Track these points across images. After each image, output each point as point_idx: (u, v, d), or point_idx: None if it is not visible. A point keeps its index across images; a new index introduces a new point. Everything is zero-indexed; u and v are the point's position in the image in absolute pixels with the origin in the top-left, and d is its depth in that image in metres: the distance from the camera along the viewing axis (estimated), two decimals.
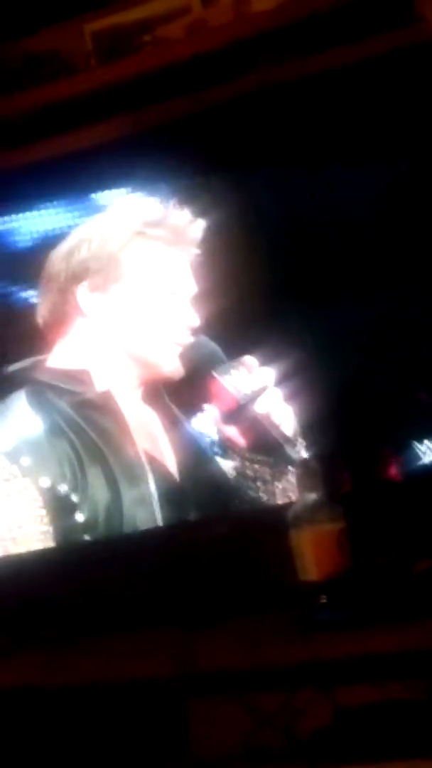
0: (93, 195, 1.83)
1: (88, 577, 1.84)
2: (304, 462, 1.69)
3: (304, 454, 1.72)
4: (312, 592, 1.58)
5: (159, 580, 1.84)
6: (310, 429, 1.72)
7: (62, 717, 1.79)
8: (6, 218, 1.87)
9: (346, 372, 1.78)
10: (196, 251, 1.77)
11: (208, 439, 1.79)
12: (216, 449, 1.78)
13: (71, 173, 1.86)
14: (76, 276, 1.74)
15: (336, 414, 1.75)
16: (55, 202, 1.84)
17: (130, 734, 1.81)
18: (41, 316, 1.79)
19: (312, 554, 1.59)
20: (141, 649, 1.67)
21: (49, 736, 1.80)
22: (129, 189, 1.83)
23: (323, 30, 1.76)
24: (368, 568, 1.61)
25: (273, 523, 1.64)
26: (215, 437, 1.78)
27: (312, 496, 1.62)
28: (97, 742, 1.81)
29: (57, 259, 1.76)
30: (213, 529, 1.76)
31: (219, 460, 1.78)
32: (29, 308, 1.81)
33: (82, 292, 1.75)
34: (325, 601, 1.57)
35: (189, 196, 1.77)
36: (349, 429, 1.78)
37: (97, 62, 1.92)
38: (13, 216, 1.87)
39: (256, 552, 1.79)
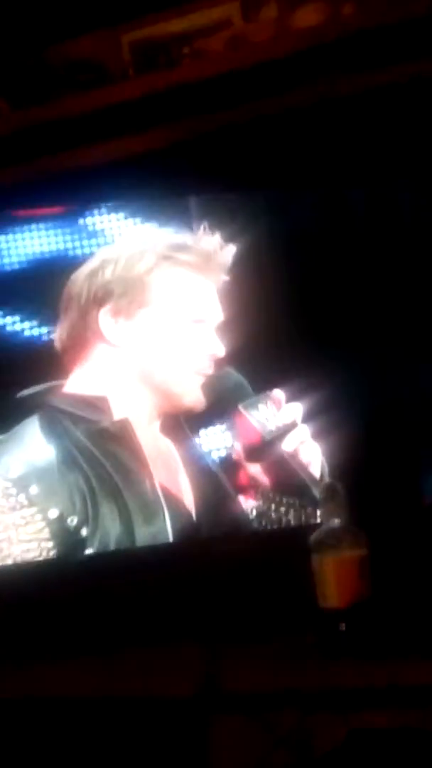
0: (120, 212, 1.78)
1: (109, 592, 1.80)
2: (328, 486, 1.64)
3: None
4: (332, 619, 1.56)
5: (183, 600, 1.79)
6: (338, 461, 1.69)
7: (86, 731, 1.75)
8: (35, 232, 1.80)
9: (375, 402, 1.75)
10: (225, 278, 1.72)
11: (229, 477, 1.73)
12: (238, 487, 1.73)
13: (102, 184, 1.83)
14: (98, 298, 1.69)
15: (363, 441, 1.72)
16: (85, 214, 1.79)
17: (150, 751, 1.77)
18: (59, 338, 1.74)
19: (333, 580, 1.57)
20: (162, 665, 1.66)
21: (69, 751, 1.76)
22: (158, 205, 1.78)
23: (364, 49, 1.73)
24: (390, 596, 1.59)
25: (297, 547, 1.61)
26: (238, 474, 1.73)
27: (335, 521, 1.60)
28: (117, 759, 1.76)
29: (79, 279, 1.71)
30: (235, 550, 1.74)
31: (240, 499, 1.73)
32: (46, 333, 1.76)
33: (103, 316, 1.69)
34: (344, 628, 1.55)
35: (220, 217, 1.72)
36: (376, 457, 1.75)
37: (134, 73, 1.91)
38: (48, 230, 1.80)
39: (276, 576, 1.75)
